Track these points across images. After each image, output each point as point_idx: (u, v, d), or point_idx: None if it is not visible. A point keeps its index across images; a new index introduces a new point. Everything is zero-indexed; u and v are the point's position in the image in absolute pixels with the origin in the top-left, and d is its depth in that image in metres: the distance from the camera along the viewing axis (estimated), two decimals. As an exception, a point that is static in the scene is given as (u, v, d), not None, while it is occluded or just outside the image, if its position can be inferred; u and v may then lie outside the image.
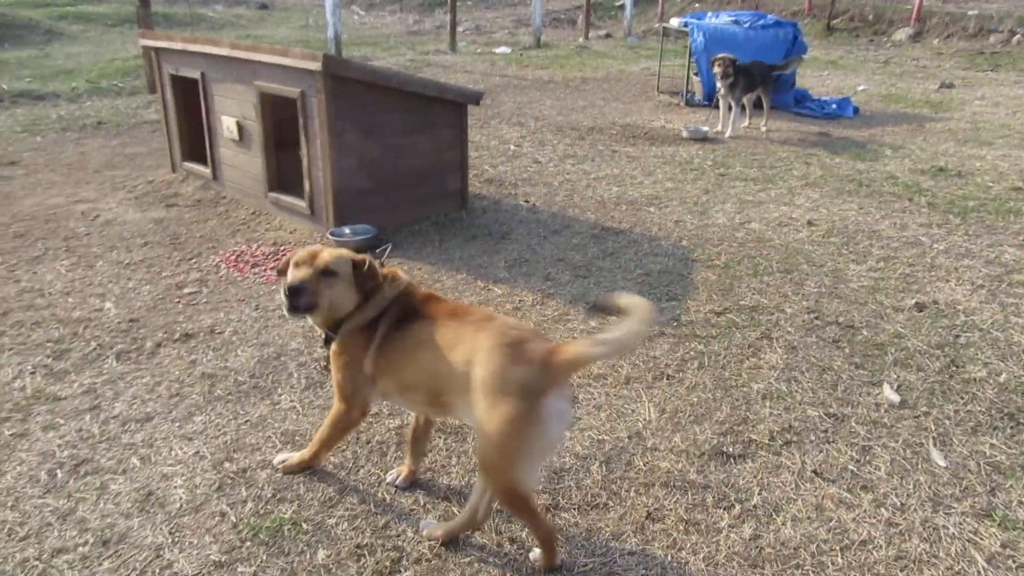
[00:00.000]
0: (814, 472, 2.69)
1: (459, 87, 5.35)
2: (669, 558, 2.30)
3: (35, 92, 10.06)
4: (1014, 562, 2.30)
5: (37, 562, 2.23)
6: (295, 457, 2.58)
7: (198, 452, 2.74)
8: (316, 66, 4.43)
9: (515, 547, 2.32)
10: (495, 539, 2.34)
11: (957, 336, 3.72)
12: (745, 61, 8.13)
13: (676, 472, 2.68)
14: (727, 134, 8.15)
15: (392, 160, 4.99)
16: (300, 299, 2.20)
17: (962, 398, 3.18)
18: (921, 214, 5.60)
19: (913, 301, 4.09)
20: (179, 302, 4.02)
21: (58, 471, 2.64)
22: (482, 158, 6.99)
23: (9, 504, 2.47)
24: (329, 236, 4.74)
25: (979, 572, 2.26)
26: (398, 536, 2.34)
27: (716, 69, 7.92)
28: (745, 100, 8.34)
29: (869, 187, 6.30)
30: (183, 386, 3.19)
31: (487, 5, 26.75)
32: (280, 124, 5.16)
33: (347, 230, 4.78)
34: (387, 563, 2.22)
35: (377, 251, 4.52)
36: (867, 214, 5.60)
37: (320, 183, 4.83)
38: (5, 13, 15.81)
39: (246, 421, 2.93)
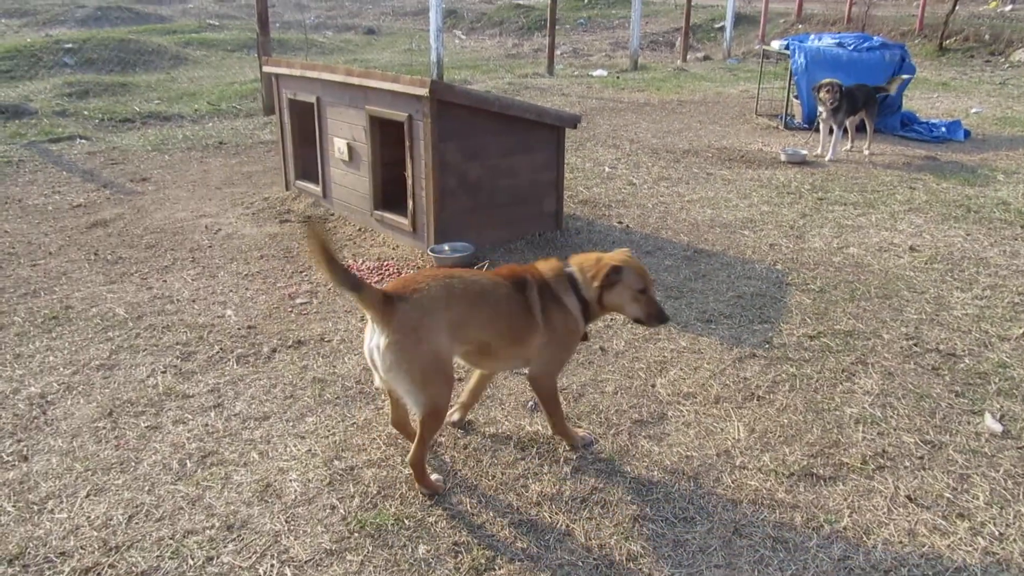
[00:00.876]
0: (908, 498, 2.67)
1: (557, 111, 5.52)
2: (756, 573, 2.34)
3: (163, 113, 10.87)
4: (1121, 601, 2.23)
5: (171, 541, 2.48)
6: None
7: (310, 450, 2.96)
8: (424, 91, 4.69)
9: (603, 552, 2.42)
10: (584, 543, 2.45)
11: (1069, 368, 3.59)
12: (848, 84, 7.99)
13: (764, 491, 2.71)
14: (827, 157, 8.01)
15: (491, 181, 5.20)
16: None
17: (1071, 432, 3.08)
18: (1035, 242, 5.38)
19: (1021, 331, 3.96)
20: (292, 311, 4.31)
21: (187, 461, 2.91)
22: (577, 179, 7.13)
23: (146, 488, 2.75)
24: (429, 253, 4.97)
25: (1082, 608, 2.21)
26: (492, 536, 2.48)
27: (823, 95, 7.79)
28: (847, 123, 8.18)
29: (978, 213, 6.08)
30: (296, 389, 3.44)
31: (585, 28, 27.02)
32: (385, 146, 5.46)
33: (446, 247, 5.01)
34: (482, 560, 2.37)
35: (475, 268, 4.71)
36: (975, 241, 5.42)
37: (423, 202, 5.08)
38: (138, 39, 17.13)
39: (353, 423, 3.14)
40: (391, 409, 2.83)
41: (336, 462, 2.87)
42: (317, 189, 6.24)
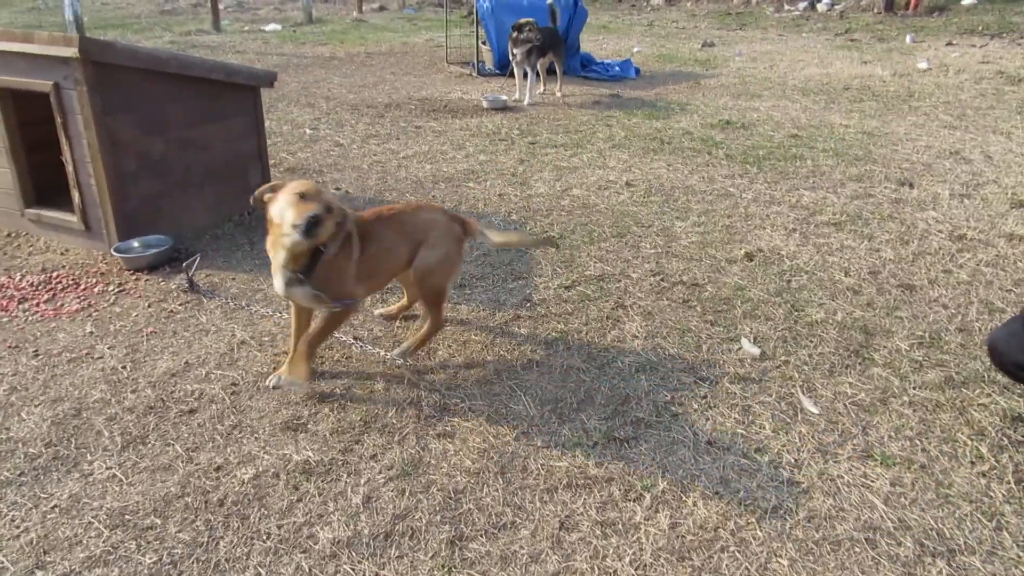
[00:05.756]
0: (708, 443, 2.62)
1: (249, 68, 4.75)
2: (596, 570, 2.10)
3: None
4: (906, 498, 2.35)
5: None
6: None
7: (-7, 558, 2.13)
8: (72, 52, 3.69)
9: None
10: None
11: (788, 281, 3.87)
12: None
13: (575, 469, 2.48)
14: (526, 101, 8.10)
15: (182, 157, 4.34)
16: (318, 228, 2.53)
17: (811, 342, 3.29)
18: (722, 166, 5.86)
19: (742, 252, 4.21)
20: (-74, 359, 3.19)
21: None
22: (277, 145, 6.38)
23: None
24: (114, 254, 4.02)
25: (882, 516, 2.29)
26: None
27: (527, 34, 7.77)
28: (539, 65, 8.33)
29: (670, 144, 6.50)
30: (-47, 470, 2.49)
31: (245, -20, 24.96)
32: (26, 125, 4.30)
33: (136, 243, 4.10)
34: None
35: (184, 265, 3.90)
36: (676, 170, 5.76)
37: (93, 191, 4.08)
38: None
39: (53, 507, 2.32)
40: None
41: (39, 573, 2.08)
42: (-66, 189, 4.79)
